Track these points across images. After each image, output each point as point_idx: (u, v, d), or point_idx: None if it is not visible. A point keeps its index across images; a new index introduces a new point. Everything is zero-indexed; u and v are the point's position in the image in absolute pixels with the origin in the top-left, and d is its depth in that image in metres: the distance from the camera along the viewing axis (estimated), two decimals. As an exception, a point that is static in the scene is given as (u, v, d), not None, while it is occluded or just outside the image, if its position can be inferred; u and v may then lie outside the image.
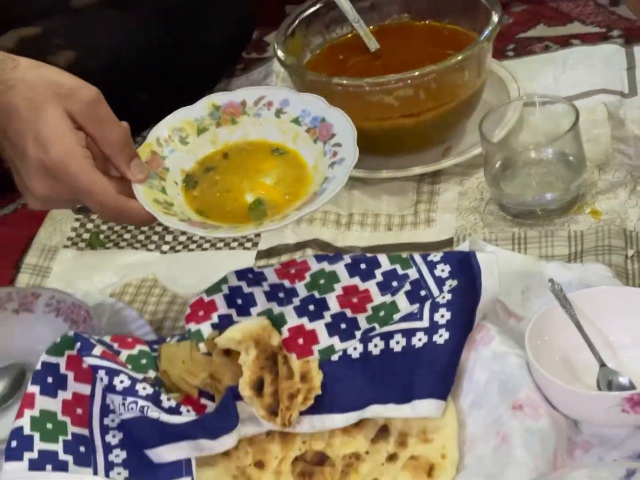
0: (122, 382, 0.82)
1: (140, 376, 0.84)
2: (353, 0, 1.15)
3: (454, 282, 0.87)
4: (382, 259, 0.91)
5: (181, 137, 0.93)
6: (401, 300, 0.89)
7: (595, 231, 0.98)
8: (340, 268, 0.91)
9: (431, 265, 0.90)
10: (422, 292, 0.89)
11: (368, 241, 1.04)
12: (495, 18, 1.07)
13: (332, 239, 1.05)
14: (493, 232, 1.02)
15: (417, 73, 1.04)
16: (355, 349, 0.86)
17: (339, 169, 0.87)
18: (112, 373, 0.82)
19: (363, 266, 0.91)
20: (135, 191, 0.87)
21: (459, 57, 1.04)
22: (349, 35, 1.17)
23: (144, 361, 0.86)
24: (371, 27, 1.16)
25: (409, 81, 1.04)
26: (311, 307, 0.89)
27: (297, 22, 1.15)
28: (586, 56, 1.18)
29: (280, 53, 1.11)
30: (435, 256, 0.90)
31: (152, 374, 0.85)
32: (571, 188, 1.02)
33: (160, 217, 0.85)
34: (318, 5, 1.16)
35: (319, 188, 0.88)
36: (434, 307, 0.86)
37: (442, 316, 0.85)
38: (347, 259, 0.92)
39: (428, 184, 1.09)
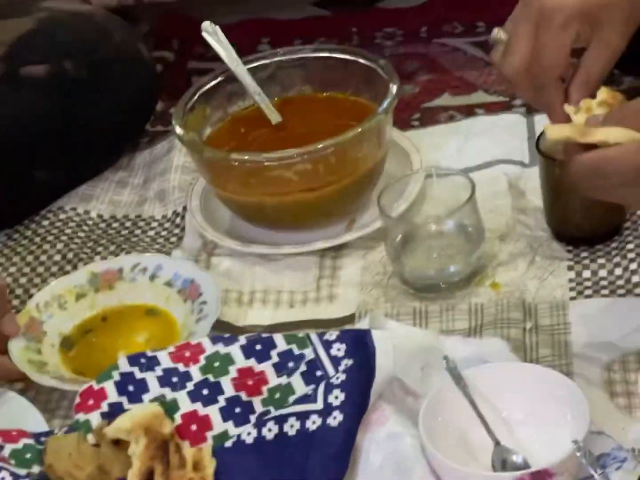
0: (3, 478, 0.82)
1: (23, 472, 0.84)
2: (254, 71, 1.18)
3: (350, 362, 0.89)
4: (278, 339, 0.93)
5: (60, 303, 1.06)
6: (297, 381, 0.90)
7: (495, 304, 1.01)
8: (235, 350, 0.92)
9: (327, 345, 0.92)
10: (318, 373, 0.90)
11: (270, 319, 1.06)
12: (393, 90, 1.10)
13: (234, 319, 1.06)
14: (395, 306, 1.04)
15: (315, 147, 1.06)
16: (249, 434, 0.87)
17: (203, 324, 1.00)
18: (-7, 469, 0.83)
19: (259, 347, 0.92)
20: (10, 351, 1.00)
21: (358, 130, 1.07)
22: (251, 108, 1.19)
23: (28, 455, 0.86)
24: (274, 98, 1.19)
25: (306, 156, 1.06)
26: (205, 392, 0.90)
27: (197, 96, 1.17)
28: (489, 126, 1.22)
29: (178, 129, 1.12)
30: (331, 335, 0.92)
31: (36, 469, 0.85)
32: (471, 260, 1.04)
33: (32, 374, 0.98)
34: (219, 79, 1.19)
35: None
36: (328, 389, 0.87)
37: (336, 397, 0.87)
38: (243, 340, 0.93)
39: (331, 258, 1.11)
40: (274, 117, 1.17)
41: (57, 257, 1.16)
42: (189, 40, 1.47)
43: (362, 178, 1.11)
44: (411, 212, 1.09)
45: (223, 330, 1.03)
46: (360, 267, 1.09)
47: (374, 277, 1.08)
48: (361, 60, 1.16)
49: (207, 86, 1.18)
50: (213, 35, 1.17)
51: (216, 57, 1.18)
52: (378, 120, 1.09)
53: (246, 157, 1.08)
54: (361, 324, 0.97)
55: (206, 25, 1.17)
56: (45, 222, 1.20)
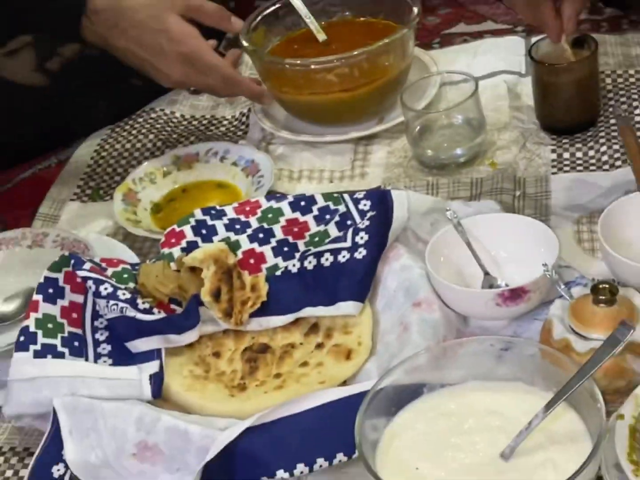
0: (106, 289, 0.90)
1: (122, 286, 0.91)
2: (305, 2, 1.23)
3: (373, 213, 0.95)
4: (318, 197, 0.99)
5: (151, 179, 1.15)
6: (332, 228, 0.97)
7: (492, 178, 1.06)
8: (284, 205, 0.99)
9: (356, 201, 0.98)
10: (349, 222, 0.97)
11: (314, 191, 1.11)
12: (415, 11, 1.15)
13: (286, 190, 1.12)
14: (412, 180, 1.09)
15: (351, 54, 1.11)
16: (294, 265, 0.94)
17: (260, 191, 1.09)
18: (98, 282, 0.90)
19: (303, 203, 0.99)
20: (115, 205, 1.10)
21: (385, 41, 1.12)
22: (303, 30, 1.24)
23: (125, 276, 0.94)
24: (321, 22, 1.24)
25: (344, 61, 1.11)
26: (261, 235, 0.97)
27: (259, 18, 1.23)
28: (493, 46, 1.26)
29: (244, 42, 1.18)
30: (360, 194, 0.98)
31: (131, 285, 0.93)
32: (474, 144, 1.09)
33: (129, 227, 1.08)
34: (277, 5, 1.24)
35: None
36: (356, 231, 0.94)
37: (362, 238, 0.93)
38: (290, 198, 1.00)
39: (363, 145, 1.16)
40: (321, 36, 1.22)
41: (149, 145, 1.23)
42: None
43: (390, 82, 1.16)
44: (428, 108, 1.14)
45: (277, 199, 1.10)
46: (387, 152, 1.15)
47: (397, 159, 1.13)
48: (391, -9, 1.21)
49: (267, 11, 1.23)
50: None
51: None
52: (403, 34, 1.13)
53: (297, 62, 1.13)
54: (385, 192, 1.03)
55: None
56: (140, 119, 1.27)
